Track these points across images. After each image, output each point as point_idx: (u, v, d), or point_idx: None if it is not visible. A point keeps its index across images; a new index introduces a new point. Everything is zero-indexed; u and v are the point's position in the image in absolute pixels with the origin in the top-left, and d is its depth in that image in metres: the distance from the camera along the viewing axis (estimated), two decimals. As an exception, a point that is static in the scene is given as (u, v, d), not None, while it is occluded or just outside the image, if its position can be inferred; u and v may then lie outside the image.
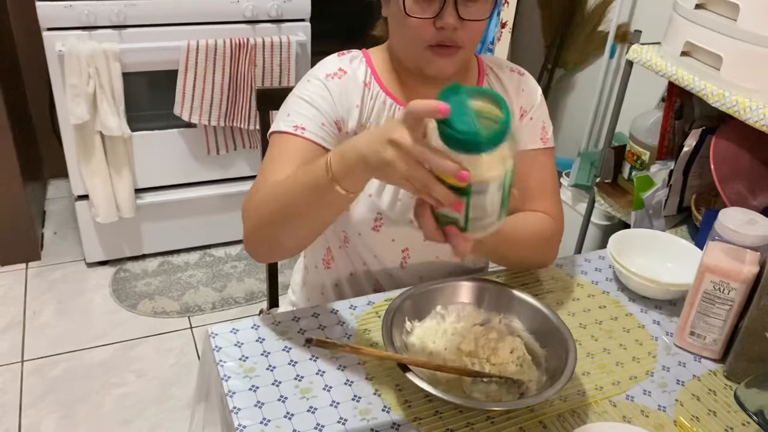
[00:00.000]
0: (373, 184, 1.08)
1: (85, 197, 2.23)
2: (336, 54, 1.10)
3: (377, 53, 1.10)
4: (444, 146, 0.70)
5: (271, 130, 1.04)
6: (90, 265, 2.38)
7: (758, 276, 0.92)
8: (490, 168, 0.71)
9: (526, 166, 1.14)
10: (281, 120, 1.03)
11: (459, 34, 0.97)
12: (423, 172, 0.71)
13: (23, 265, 2.37)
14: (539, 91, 1.17)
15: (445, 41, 0.98)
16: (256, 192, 0.96)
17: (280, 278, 1.44)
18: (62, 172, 2.56)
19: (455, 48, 0.99)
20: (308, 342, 0.81)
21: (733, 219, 0.95)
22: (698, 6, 1.59)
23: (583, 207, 2.22)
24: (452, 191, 0.72)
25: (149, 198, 2.31)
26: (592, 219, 2.20)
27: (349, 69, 1.06)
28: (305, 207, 0.87)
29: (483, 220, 0.75)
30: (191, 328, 2.16)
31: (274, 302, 1.43)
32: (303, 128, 1.00)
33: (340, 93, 1.04)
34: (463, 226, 0.75)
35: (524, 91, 1.16)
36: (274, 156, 1.00)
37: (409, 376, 0.81)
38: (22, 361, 1.98)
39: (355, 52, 1.10)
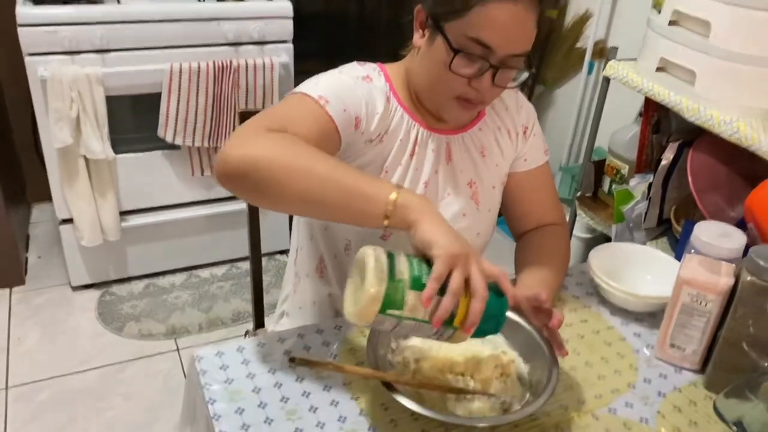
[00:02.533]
0: None
1: (69, 221, 2.22)
2: (356, 63, 1.09)
3: (394, 70, 1.10)
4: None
5: (292, 91, 1.00)
6: (75, 288, 2.37)
7: (734, 287, 0.94)
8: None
9: (536, 182, 1.23)
10: (306, 86, 0.99)
11: (486, 95, 1.01)
12: (459, 287, 0.76)
13: (7, 290, 2.35)
14: (533, 106, 1.23)
15: (473, 98, 1.01)
16: (270, 130, 0.88)
17: (266, 298, 1.44)
18: (46, 196, 2.55)
19: (479, 104, 1.04)
20: (291, 361, 0.82)
21: (708, 232, 0.97)
22: (672, 23, 1.63)
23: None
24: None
25: (134, 220, 2.31)
26: (575, 232, 2.23)
27: (375, 78, 1.07)
28: (329, 200, 0.84)
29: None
30: (178, 350, 2.15)
31: (259, 323, 1.44)
32: (327, 101, 0.97)
33: (368, 95, 1.03)
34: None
35: (523, 108, 1.20)
36: (288, 106, 0.96)
37: (393, 394, 0.82)
38: (7, 388, 1.96)
39: (373, 65, 1.10)
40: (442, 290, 0.76)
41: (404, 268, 0.78)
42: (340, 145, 0.99)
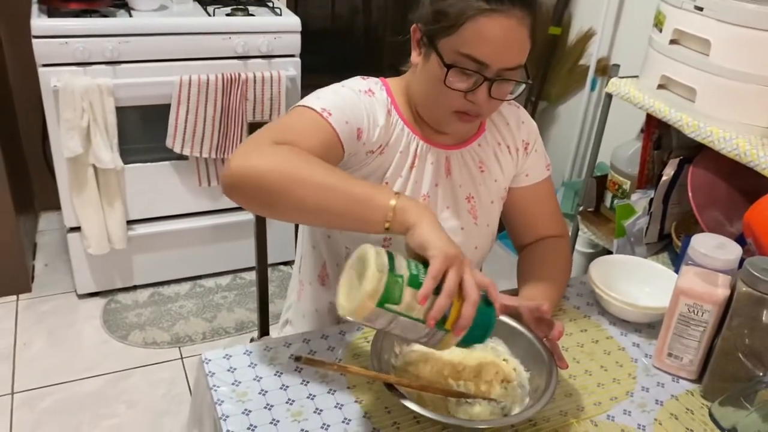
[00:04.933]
0: None
1: (77, 229, 2.25)
2: (359, 77, 1.12)
3: (395, 84, 1.13)
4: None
5: (296, 105, 1.03)
6: (81, 296, 2.40)
7: (730, 298, 0.96)
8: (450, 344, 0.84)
9: (538, 197, 1.25)
10: (309, 100, 1.03)
11: (484, 108, 1.03)
12: (454, 288, 0.79)
13: (14, 297, 2.38)
14: (534, 122, 1.24)
15: (470, 111, 1.03)
16: (275, 143, 0.91)
17: (271, 308, 1.46)
18: (53, 205, 2.59)
19: (477, 117, 1.05)
20: (297, 360, 0.84)
21: (704, 244, 0.99)
22: (672, 41, 1.66)
23: (567, 235, 2.27)
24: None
25: (141, 229, 2.34)
26: (577, 247, 2.25)
27: (377, 92, 1.09)
28: (331, 208, 0.87)
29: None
30: (182, 358, 2.17)
31: (264, 331, 1.46)
32: (330, 113, 1.00)
33: (370, 108, 1.06)
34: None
35: (524, 124, 1.22)
36: (294, 119, 1.00)
37: (396, 395, 0.84)
38: (12, 393, 1.98)
39: (376, 79, 1.13)
40: (437, 291, 0.78)
41: (403, 265, 0.80)
42: (343, 155, 1.02)
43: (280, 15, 2.28)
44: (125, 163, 2.19)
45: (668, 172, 1.78)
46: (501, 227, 1.26)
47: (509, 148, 1.20)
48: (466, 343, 0.84)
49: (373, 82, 1.11)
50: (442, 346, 0.83)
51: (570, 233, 2.19)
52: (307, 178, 0.87)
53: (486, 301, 0.84)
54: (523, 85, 1.04)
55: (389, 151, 1.09)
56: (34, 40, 1.96)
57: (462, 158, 1.16)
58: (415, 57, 1.07)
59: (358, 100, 1.05)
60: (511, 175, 1.22)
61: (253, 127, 1.32)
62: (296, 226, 1.29)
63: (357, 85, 1.09)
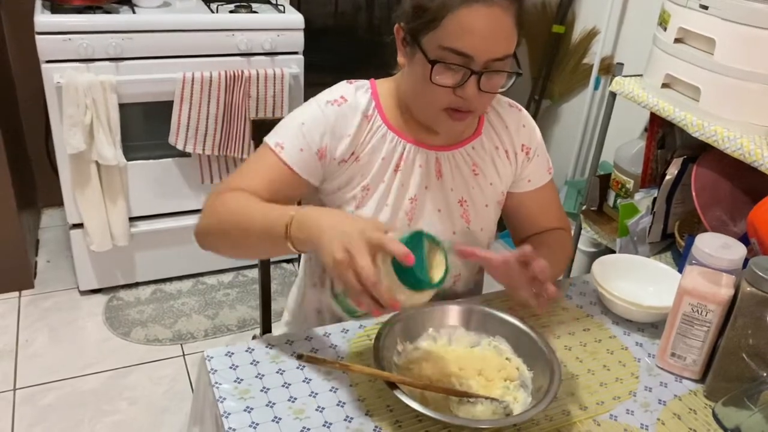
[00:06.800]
0: (369, 210, 1.11)
1: (79, 226, 2.25)
2: (346, 81, 1.12)
3: (384, 86, 1.12)
4: (392, 272, 0.83)
5: (265, 137, 1.09)
6: (83, 293, 2.40)
7: (734, 298, 0.96)
8: (422, 298, 0.86)
9: (541, 201, 1.24)
10: (273, 132, 1.09)
11: (475, 102, 1.00)
12: (358, 287, 0.80)
13: (16, 293, 2.38)
14: (537, 126, 1.21)
15: (461, 107, 1.01)
16: (225, 191, 1.03)
17: (273, 306, 1.46)
18: (56, 201, 2.59)
19: (469, 113, 1.03)
20: (299, 358, 0.84)
21: (708, 243, 0.99)
22: (677, 40, 1.65)
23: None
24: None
25: (143, 226, 2.34)
26: (579, 246, 2.24)
27: (352, 98, 1.09)
28: (256, 242, 0.98)
29: None
30: (184, 355, 2.17)
31: (267, 329, 1.46)
32: (282, 147, 1.05)
33: (335, 120, 1.07)
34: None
35: (525, 128, 1.19)
36: (251, 161, 1.08)
37: (398, 393, 0.84)
38: (14, 389, 1.98)
39: (363, 82, 1.12)
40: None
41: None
42: (304, 179, 1.07)
43: (284, 12, 2.27)
44: (128, 159, 2.19)
45: (672, 172, 1.77)
46: (501, 227, 1.25)
47: (507, 152, 1.18)
48: (417, 285, 0.84)
49: (354, 87, 1.10)
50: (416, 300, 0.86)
51: (573, 232, 2.18)
52: (233, 222, 0.98)
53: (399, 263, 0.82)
54: (515, 77, 1.01)
55: (366, 157, 1.09)
56: (37, 37, 1.96)
57: (454, 160, 1.14)
58: (400, 58, 1.06)
59: (320, 118, 1.06)
60: (509, 180, 1.20)
61: (256, 124, 1.32)
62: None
63: (327, 96, 1.09)
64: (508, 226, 1.29)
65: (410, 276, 0.82)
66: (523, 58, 2.81)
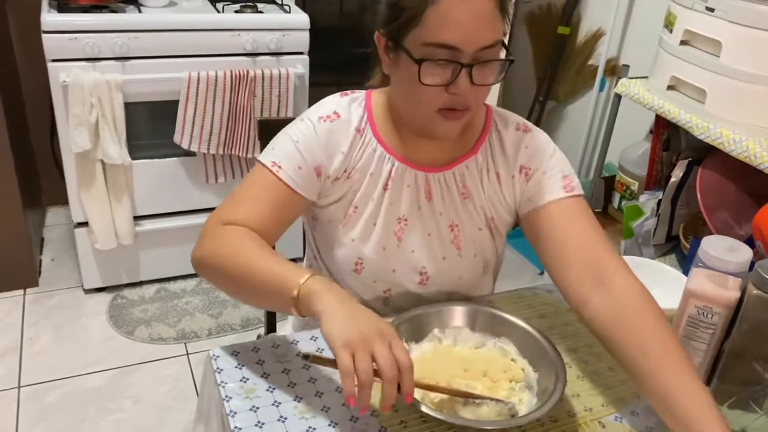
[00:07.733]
0: (357, 229, 1.08)
1: (84, 224, 2.25)
2: (339, 94, 1.08)
3: (378, 98, 1.08)
4: None
5: (259, 157, 1.06)
6: (87, 291, 2.40)
7: (740, 301, 0.95)
8: None
9: (560, 219, 1.05)
10: (267, 151, 1.05)
11: (469, 98, 0.96)
12: (353, 387, 0.78)
13: (21, 291, 2.39)
14: (551, 145, 1.10)
15: (456, 105, 0.96)
16: (225, 221, 1.00)
17: (278, 304, 1.46)
18: (61, 200, 2.60)
19: (465, 111, 0.98)
20: (305, 358, 0.84)
21: (715, 246, 0.99)
22: (683, 42, 1.65)
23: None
24: None
25: (148, 225, 2.35)
26: (584, 247, 2.24)
27: (345, 113, 1.05)
28: (254, 291, 0.95)
29: None
30: (187, 354, 2.17)
31: (271, 328, 1.46)
32: (279, 166, 1.02)
33: (328, 137, 1.04)
34: None
35: (527, 149, 1.09)
36: (248, 183, 1.04)
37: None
38: (19, 387, 1.98)
39: (358, 94, 1.09)
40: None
41: None
42: (304, 198, 1.04)
43: (289, 12, 2.28)
44: (133, 158, 2.19)
45: (677, 174, 1.77)
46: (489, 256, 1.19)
47: (499, 175, 1.10)
48: None
49: (348, 101, 1.07)
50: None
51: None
52: (230, 267, 0.95)
53: None
54: (508, 64, 0.97)
55: (357, 174, 1.06)
56: (43, 36, 1.97)
57: (445, 182, 1.08)
58: (386, 66, 1.01)
59: (312, 136, 1.03)
60: (499, 203, 1.11)
61: (261, 124, 1.32)
62: (302, 226, 1.28)
63: (318, 112, 1.05)
64: (537, 254, 1.11)
65: None
66: (528, 59, 2.82)
